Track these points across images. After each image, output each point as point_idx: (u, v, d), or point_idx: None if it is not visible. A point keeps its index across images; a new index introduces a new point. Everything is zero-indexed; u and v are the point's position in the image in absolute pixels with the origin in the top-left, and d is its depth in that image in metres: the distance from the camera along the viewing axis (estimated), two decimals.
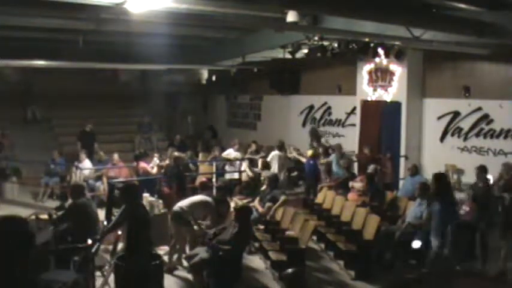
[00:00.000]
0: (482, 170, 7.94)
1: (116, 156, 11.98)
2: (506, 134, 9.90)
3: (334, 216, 8.94)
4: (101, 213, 7.56)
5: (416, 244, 6.97)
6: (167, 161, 11.13)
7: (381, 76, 11.86)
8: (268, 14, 8.53)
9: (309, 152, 11.36)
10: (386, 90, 11.77)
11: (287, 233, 7.73)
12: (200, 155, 13.70)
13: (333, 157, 11.56)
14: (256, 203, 8.78)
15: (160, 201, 8.79)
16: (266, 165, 10.86)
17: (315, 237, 8.62)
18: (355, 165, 12.15)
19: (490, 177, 8.89)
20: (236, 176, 12.02)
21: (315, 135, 13.54)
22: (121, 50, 13.57)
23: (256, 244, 8.08)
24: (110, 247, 7.36)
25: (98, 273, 6.16)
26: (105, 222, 7.19)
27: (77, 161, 12.01)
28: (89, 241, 5.52)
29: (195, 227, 7.35)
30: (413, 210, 7.67)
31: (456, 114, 10.76)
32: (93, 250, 5.46)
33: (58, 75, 14.59)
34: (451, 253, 7.13)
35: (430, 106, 11.27)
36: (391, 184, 10.72)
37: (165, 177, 9.94)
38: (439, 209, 6.53)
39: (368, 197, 9.26)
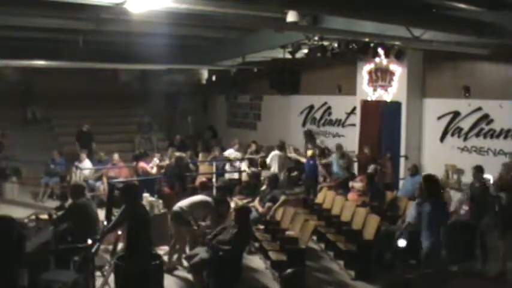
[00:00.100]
0: (478, 170, 7.94)
1: (116, 156, 11.99)
2: (506, 134, 9.89)
3: (334, 216, 8.94)
4: (101, 213, 7.56)
5: (402, 243, 6.98)
6: (167, 161, 11.14)
7: (381, 76, 11.85)
8: (268, 14, 8.53)
9: (309, 152, 11.36)
10: (386, 90, 11.77)
11: (287, 233, 7.73)
12: (200, 155, 13.71)
13: (333, 157, 11.57)
14: (256, 203, 8.78)
15: (160, 201, 8.79)
16: (263, 164, 10.89)
17: (315, 237, 8.61)
18: (355, 165, 12.16)
19: (490, 177, 8.90)
20: (236, 176, 12.04)
21: (310, 137, 13.52)
22: (121, 50, 13.57)
23: (256, 244, 8.08)
24: (110, 247, 7.36)
25: (98, 273, 6.16)
26: (105, 222, 7.19)
27: (77, 161, 12.02)
28: (89, 241, 5.52)
29: (195, 227, 7.36)
30: (413, 210, 7.66)
31: (456, 114, 10.76)
32: (93, 250, 5.47)
33: (58, 75, 14.60)
34: (446, 254, 7.16)
35: (430, 106, 11.27)
36: (391, 184, 10.73)
37: (165, 177, 9.94)
38: (430, 210, 6.55)
39: (368, 197, 9.27)
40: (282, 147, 11.64)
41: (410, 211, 7.75)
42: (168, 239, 7.66)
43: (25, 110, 15.51)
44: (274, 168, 10.92)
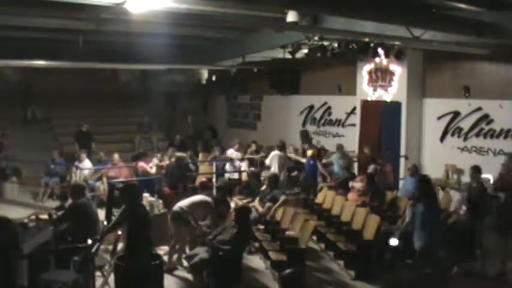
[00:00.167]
0: (476, 170, 7.89)
1: (116, 156, 11.99)
2: (506, 134, 9.89)
3: (334, 216, 8.94)
4: (101, 213, 7.56)
5: (394, 242, 7.00)
6: (167, 161, 11.15)
7: (381, 76, 11.85)
8: (268, 14, 8.53)
9: (309, 152, 11.36)
10: (386, 90, 11.77)
11: (287, 233, 7.73)
12: (200, 155, 13.71)
13: (334, 157, 11.56)
14: (256, 203, 8.78)
15: (160, 201, 8.80)
16: (262, 163, 10.96)
17: (315, 237, 8.62)
18: (355, 165, 12.15)
19: (490, 177, 8.90)
20: (236, 176, 12.05)
21: (306, 137, 13.50)
22: (121, 50, 13.57)
23: (256, 244, 8.08)
24: (110, 247, 7.35)
25: (98, 273, 6.16)
26: (105, 222, 7.19)
27: (77, 161, 12.02)
28: (89, 241, 5.52)
29: (195, 227, 7.36)
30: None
31: (456, 114, 10.76)
32: (93, 250, 5.47)
33: (58, 75, 14.60)
34: (445, 253, 7.17)
35: (430, 106, 11.27)
36: (391, 184, 10.73)
37: (166, 177, 9.94)
38: (423, 211, 6.58)
39: (368, 197, 9.27)
40: (282, 147, 11.64)
41: (411, 211, 7.77)
42: (168, 239, 7.66)
43: (25, 110, 15.51)
44: (274, 168, 10.93)
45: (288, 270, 3.63)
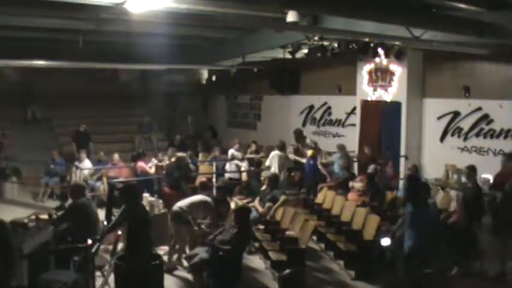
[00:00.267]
0: (472, 170, 7.84)
1: (116, 156, 12.00)
2: (506, 134, 9.89)
3: (334, 216, 8.93)
4: (101, 213, 7.56)
5: (386, 242, 6.99)
6: (166, 161, 11.15)
7: (381, 76, 11.85)
8: (268, 14, 8.53)
9: (309, 152, 11.36)
10: (386, 90, 11.77)
11: (287, 233, 7.73)
12: (200, 155, 13.71)
13: (335, 157, 11.54)
14: (256, 203, 8.78)
15: (160, 201, 8.80)
16: (259, 162, 11.00)
17: (315, 237, 8.61)
18: (355, 165, 12.15)
19: (490, 177, 8.89)
20: (236, 176, 12.05)
21: (299, 137, 13.46)
22: (121, 50, 13.57)
23: (256, 244, 8.08)
24: (110, 247, 7.36)
25: (98, 273, 6.16)
26: (105, 222, 7.20)
27: (77, 161, 12.02)
28: (89, 241, 5.52)
29: (195, 227, 7.36)
30: None
31: (456, 114, 10.76)
32: (93, 250, 5.47)
33: (58, 75, 14.60)
34: (445, 253, 7.17)
35: (430, 106, 11.27)
36: (391, 184, 10.72)
37: (166, 177, 9.94)
38: (411, 210, 6.58)
39: (368, 197, 9.26)
40: (282, 147, 11.64)
41: None
42: (168, 239, 7.67)
43: (25, 110, 15.52)
44: (274, 168, 10.92)
45: (287, 271, 3.63)
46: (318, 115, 14.43)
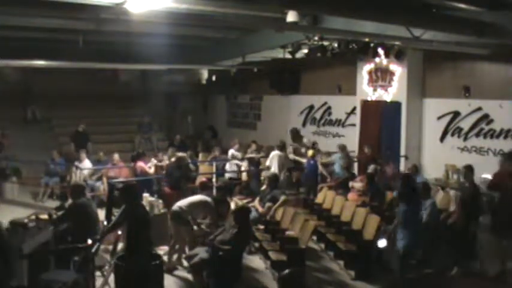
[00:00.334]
0: (469, 170, 7.80)
1: (116, 156, 11.99)
2: (506, 134, 9.89)
3: (334, 216, 8.93)
4: (101, 213, 7.56)
5: (382, 243, 6.99)
6: (166, 161, 11.15)
7: (381, 76, 11.86)
8: (268, 14, 8.52)
9: (309, 152, 11.36)
10: (386, 90, 11.77)
11: (287, 233, 7.73)
12: (200, 155, 13.71)
13: (336, 157, 11.54)
14: (256, 203, 8.78)
15: (160, 201, 8.80)
16: (258, 162, 11.00)
17: (315, 237, 8.61)
18: (355, 165, 12.15)
19: (490, 177, 8.88)
20: (236, 176, 12.06)
21: (296, 136, 13.44)
22: (121, 50, 13.57)
23: (256, 244, 8.08)
24: (110, 247, 7.35)
25: (98, 273, 6.16)
26: (105, 222, 7.20)
27: (77, 161, 12.02)
28: (89, 241, 5.52)
29: (195, 227, 7.36)
30: None
31: (456, 114, 10.76)
32: (93, 250, 5.47)
33: (58, 75, 14.60)
34: (444, 254, 7.16)
35: (430, 106, 11.27)
36: (391, 184, 10.71)
37: (166, 177, 9.95)
38: (404, 210, 6.59)
39: (368, 197, 9.26)
40: (282, 147, 11.64)
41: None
42: (168, 239, 7.66)
43: (25, 110, 15.50)
44: (274, 168, 10.92)
45: (286, 271, 3.63)
46: (318, 115, 14.43)
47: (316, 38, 9.44)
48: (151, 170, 10.94)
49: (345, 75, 13.16)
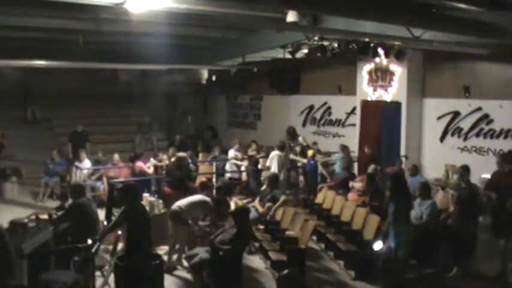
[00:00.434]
0: (465, 170, 7.75)
1: (116, 156, 11.99)
2: (506, 134, 9.90)
3: (334, 216, 8.93)
4: (101, 213, 7.57)
5: (378, 246, 6.98)
6: (166, 161, 11.15)
7: (381, 76, 11.86)
8: (268, 14, 8.52)
9: (310, 152, 11.36)
10: (386, 90, 11.77)
11: (287, 233, 7.73)
12: (200, 155, 13.71)
13: (336, 157, 11.53)
14: (256, 203, 8.78)
15: (160, 201, 8.79)
16: (257, 161, 10.99)
17: (315, 237, 8.61)
18: (355, 165, 12.15)
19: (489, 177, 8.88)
20: (236, 176, 12.05)
21: (291, 134, 13.40)
22: (121, 50, 13.57)
23: (256, 244, 8.08)
24: (110, 247, 7.35)
25: (98, 273, 6.16)
26: (105, 222, 7.20)
27: (77, 161, 12.01)
28: (89, 241, 5.52)
29: (195, 227, 7.36)
30: (413, 210, 7.66)
31: (456, 114, 10.77)
32: (93, 250, 5.46)
33: (58, 75, 14.59)
34: (444, 255, 7.15)
35: (430, 106, 11.28)
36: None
37: (166, 177, 9.94)
38: (394, 210, 6.59)
39: (368, 197, 9.26)
40: (282, 147, 11.63)
41: (411, 211, 7.77)
42: (168, 239, 7.66)
43: (25, 110, 15.50)
44: (274, 168, 10.92)
45: (284, 271, 3.62)
46: (318, 115, 14.44)
47: (316, 38, 9.44)
48: (150, 170, 10.92)
49: (345, 75, 13.17)
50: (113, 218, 6.51)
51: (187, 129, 17.77)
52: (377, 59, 11.39)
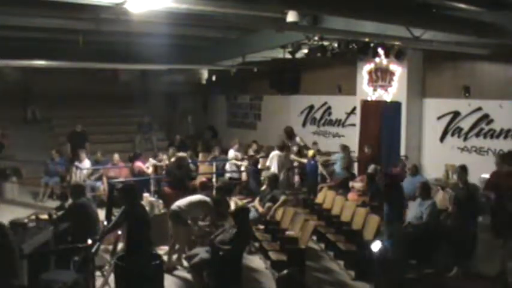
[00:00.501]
0: (463, 170, 7.75)
1: (116, 156, 11.99)
2: (506, 134, 9.90)
3: (334, 216, 8.93)
4: (101, 213, 7.56)
5: (375, 246, 6.98)
6: (166, 161, 11.15)
7: (381, 76, 11.85)
8: (268, 14, 8.52)
9: (310, 152, 11.36)
10: (386, 90, 11.77)
11: (287, 233, 7.73)
12: (200, 155, 13.71)
13: (337, 157, 11.53)
14: (256, 203, 8.78)
15: (160, 201, 8.79)
16: (256, 161, 11.00)
17: (315, 237, 8.61)
18: (355, 165, 12.15)
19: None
20: (236, 176, 12.05)
21: (289, 134, 13.39)
22: (121, 50, 13.57)
23: (256, 244, 8.08)
24: (110, 247, 7.35)
25: (98, 273, 6.16)
26: (105, 222, 7.19)
27: (77, 161, 12.01)
28: (89, 241, 5.52)
29: (195, 227, 7.36)
30: (413, 210, 7.67)
31: (456, 114, 10.77)
32: (93, 250, 5.46)
33: (58, 75, 14.59)
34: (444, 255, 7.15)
35: (430, 106, 11.28)
36: None
37: (166, 177, 9.94)
38: (387, 211, 6.60)
39: (368, 197, 9.26)
40: (282, 147, 11.63)
41: (411, 211, 7.78)
42: (168, 239, 7.66)
43: (25, 110, 15.50)
44: (274, 168, 10.91)
45: (283, 272, 3.62)
46: (318, 115, 14.44)
47: (316, 38, 9.44)
48: (149, 170, 10.91)
49: (345, 75, 13.17)
50: (113, 218, 6.51)
51: (187, 129, 17.77)
52: (377, 59, 11.39)
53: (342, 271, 7.57)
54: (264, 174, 10.80)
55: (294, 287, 3.82)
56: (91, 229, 6.22)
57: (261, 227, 8.32)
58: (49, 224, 6.44)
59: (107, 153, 12.62)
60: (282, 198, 8.61)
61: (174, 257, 7.54)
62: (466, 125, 10.58)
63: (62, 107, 15.50)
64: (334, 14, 8.17)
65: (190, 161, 10.91)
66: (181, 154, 10.39)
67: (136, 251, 5.72)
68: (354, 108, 12.99)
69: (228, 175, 12.00)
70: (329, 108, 14.14)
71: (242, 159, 12.32)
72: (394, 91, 11.58)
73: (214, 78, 16.87)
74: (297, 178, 12.08)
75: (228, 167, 12.34)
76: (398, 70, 11.44)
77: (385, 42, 9.43)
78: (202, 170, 12.30)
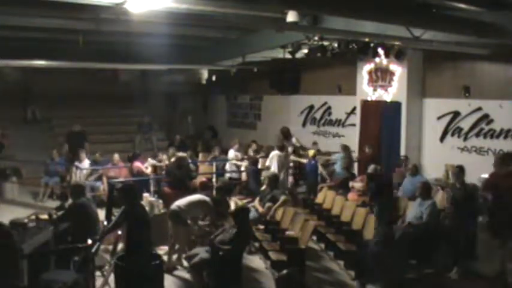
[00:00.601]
0: (461, 171, 7.77)
1: (116, 156, 11.99)
2: (506, 134, 9.90)
3: (334, 216, 8.93)
4: (101, 213, 7.56)
5: (374, 247, 6.97)
6: (166, 161, 11.14)
7: (381, 76, 11.85)
8: (268, 14, 8.52)
9: (310, 152, 11.35)
10: (386, 90, 11.77)
11: (287, 233, 7.73)
12: (200, 155, 13.71)
13: (337, 157, 11.53)
14: (256, 203, 8.78)
15: (160, 201, 8.79)
16: (256, 161, 11.00)
17: (315, 237, 8.61)
18: (355, 165, 12.14)
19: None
20: (236, 176, 12.05)
21: (285, 135, 13.39)
22: (121, 50, 13.57)
23: (256, 244, 8.08)
24: (110, 247, 7.36)
25: (98, 273, 6.16)
26: (105, 222, 7.20)
27: (77, 161, 12.01)
28: (89, 241, 5.52)
29: (195, 227, 7.36)
30: (413, 210, 7.68)
31: (456, 114, 10.76)
32: (93, 250, 5.47)
33: (58, 75, 14.59)
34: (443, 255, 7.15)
35: (430, 106, 11.28)
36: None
37: (166, 177, 9.94)
38: (376, 211, 6.60)
39: (368, 197, 9.25)
40: (282, 147, 11.63)
41: (411, 211, 7.78)
42: (168, 239, 7.67)
43: (25, 110, 15.50)
44: (274, 168, 10.91)
45: (283, 272, 3.62)
46: (318, 115, 14.44)
47: (316, 38, 9.44)
48: (148, 170, 10.91)
49: (345, 75, 13.16)
50: (113, 218, 6.51)
51: (187, 129, 17.77)
52: (377, 59, 11.39)
53: (342, 271, 7.57)
54: (264, 174, 10.80)
55: (294, 287, 3.81)
56: (91, 229, 6.23)
57: (261, 227, 8.32)
58: (49, 224, 6.45)
59: (107, 153, 12.62)
60: (282, 198, 8.62)
61: (174, 257, 7.54)
62: (466, 125, 10.58)
63: (62, 107, 15.50)
64: (334, 14, 8.17)
65: (190, 161, 10.91)
66: (181, 154, 10.39)
67: (136, 251, 5.72)
68: (354, 108, 12.99)
69: (228, 175, 12.00)
70: (329, 108, 14.14)
71: (242, 159, 12.32)
72: (394, 91, 11.58)
73: (214, 78, 16.87)
74: (291, 179, 12.03)
75: (228, 167, 12.34)
76: (398, 70, 11.44)
77: (385, 42, 9.43)
78: (202, 170, 12.29)
